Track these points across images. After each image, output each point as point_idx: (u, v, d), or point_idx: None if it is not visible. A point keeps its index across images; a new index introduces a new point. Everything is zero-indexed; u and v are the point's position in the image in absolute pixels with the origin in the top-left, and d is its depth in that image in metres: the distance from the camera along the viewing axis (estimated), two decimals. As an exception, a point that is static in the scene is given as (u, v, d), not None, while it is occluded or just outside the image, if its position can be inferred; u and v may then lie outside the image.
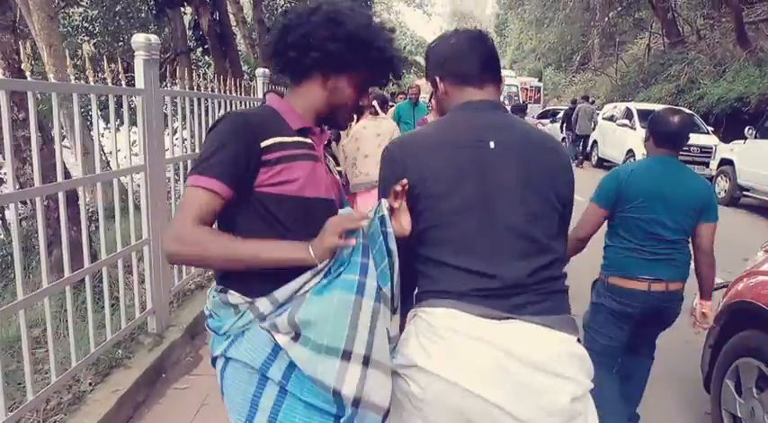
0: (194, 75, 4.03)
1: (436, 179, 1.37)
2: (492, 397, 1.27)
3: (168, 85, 3.62)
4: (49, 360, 2.51)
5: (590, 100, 18.07)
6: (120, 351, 3.12)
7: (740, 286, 2.83)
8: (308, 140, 1.42)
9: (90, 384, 2.86)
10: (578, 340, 1.41)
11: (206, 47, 11.42)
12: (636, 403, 2.86)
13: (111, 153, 3.23)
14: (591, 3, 24.78)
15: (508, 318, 1.32)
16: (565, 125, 16.99)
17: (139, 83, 3.17)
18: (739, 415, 2.64)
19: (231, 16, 13.65)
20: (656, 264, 2.51)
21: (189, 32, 12.28)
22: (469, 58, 1.47)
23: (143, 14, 13.04)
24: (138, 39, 3.13)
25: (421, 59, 54.52)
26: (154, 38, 3.20)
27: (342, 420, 1.29)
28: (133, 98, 3.29)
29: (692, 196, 2.49)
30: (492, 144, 1.38)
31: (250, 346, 1.32)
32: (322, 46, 1.35)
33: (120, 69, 2.99)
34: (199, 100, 3.97)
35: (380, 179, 1.46)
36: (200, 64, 14.67)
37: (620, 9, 24.79)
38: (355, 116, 6.65)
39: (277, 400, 1.31)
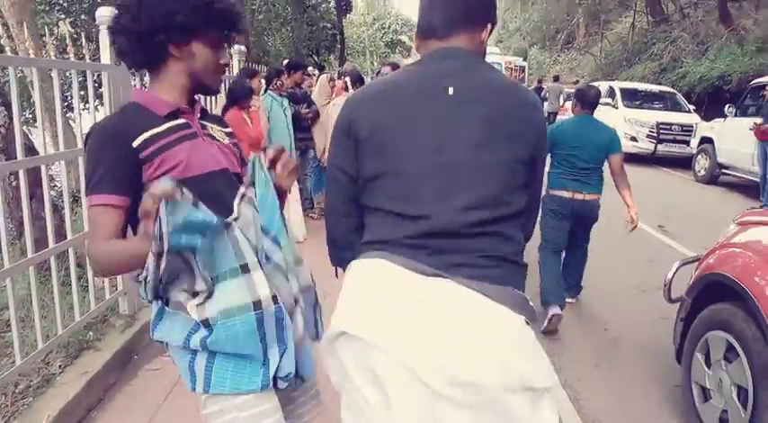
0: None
1: (386, 127, 1.30)
2: (414, 364, 1.17)
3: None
4: (14, 343, 2.47)
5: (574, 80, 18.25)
6: (90, 333, 3.08)
7: (711, 259, 2.85)
8: (181, 121, 1.46)
9: (60, 367, 2.82)
10: (527, 323, 1.27)
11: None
12: (579, 274, 4.33)
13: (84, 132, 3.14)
14: (576, -19, 24.72)
15: (437, 275, 1.22)
16: None
17: (105, 58, 3.08)
18: (708, 386, 2.67)
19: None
20: (576, 182, 3.90)
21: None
22: (434, 9, 1.38)
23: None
24: (103, 12, 3.03)
25: (406, 38, 53.99)
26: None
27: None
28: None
29: (601, 138, 3.88)
30: (451, 90, 1.28)
31: (170, 326, 1.41)
32: (161, 18, 1.36)
33: (83, 46, 2.91)
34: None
35: (334, 126, 1.43)
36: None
37: (604, -13, 24.75)
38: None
39: (207, 365, 1.40)
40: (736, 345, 2.49)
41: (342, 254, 1.45)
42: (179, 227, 1.20)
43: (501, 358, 1.18)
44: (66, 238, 2.91)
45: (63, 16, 12.80)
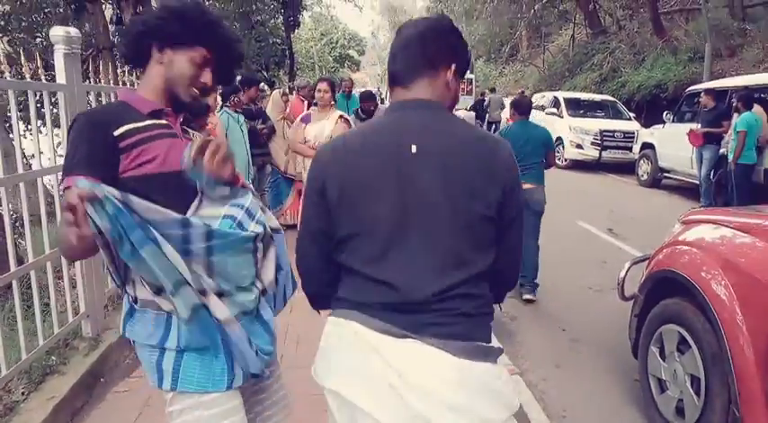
0: (118, 71, 3.86)
1: (356, 186, 1.32)
2: (384, 421, 1.26)
3: (91, 80, 3.48)
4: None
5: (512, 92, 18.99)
6: (53, 358, 3.00)
7: (661, 257, 3.02)
8: (163, 121, 1.52)
9: (23, 394, 2.74)
10: (500, 368, 1.33)
11: (130, 43, 11.05)
12: (533, 268, 4.61)
13: (34, 155, 3.06)
14: (518, -5, 25.51)
15: (406, 336, 1.28)
16: (475, 114, 17.80)
17: (60, 78, 3.04)
18: (664, 378, 2.82)
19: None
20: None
21: (112, 28, 11.83)
22: (397, 56, 1.40)
23: (61, 9, 12.44)
24: (57, 32, 3.00)
25: (354, 53, 54.03)
26: (74, 31, 3.07)
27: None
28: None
29: (540, 138, 4.68)
30: (414, 148, 1.30)
31: (140, 324, 1.48)
32: (152, 22, 1.50)
33: (38, 65, 2.86)
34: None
35: (306, 179, 1.48)
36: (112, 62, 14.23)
37: (545, 1, 25.59)
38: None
39: (175, 362, 1.46)
40: (688, 336, 2.66)
41: (320, 301, 1.50)
42: (109, 223, 1.23)
43: (466, 414, 1.26)
44: (24, 262, 2.84)
45: (0, 35, 12.41)
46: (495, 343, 1.38)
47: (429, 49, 1.38)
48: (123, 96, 1.57)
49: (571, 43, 24.28)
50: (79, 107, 3.13)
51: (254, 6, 17.74)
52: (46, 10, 12.87)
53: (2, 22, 12.68)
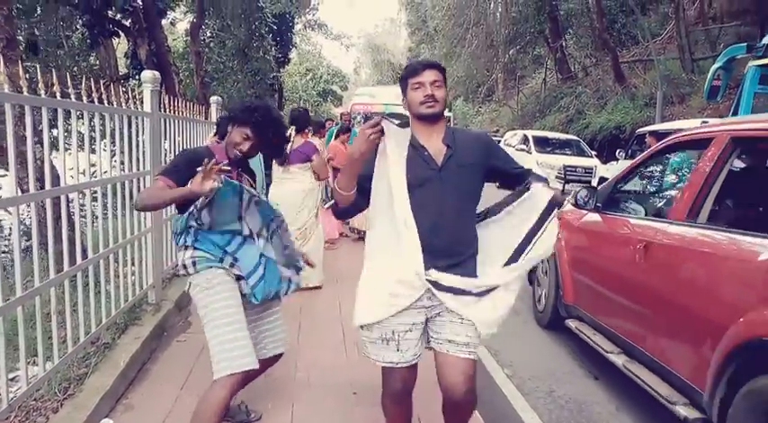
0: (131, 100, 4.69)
1: None
2: None
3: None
4: (79, 323, 3.41)
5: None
6: (131, 314, 4.02)
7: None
8: (228, 168, 2.40)
9: (112, 338, 3.73)
10: None
11: (142, 75, 12.22)
12: None
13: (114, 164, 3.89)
14: (494, 40, 27.33)
15: None
16: None
17: (147, 108, 4.14)
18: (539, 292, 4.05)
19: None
20: None
21: (126, 61, 12.96)
22: None
23: (77, 43, 13.54)
24: (147, 75, 4.13)
25: (336, 88, 55.01)
26: (157, 74, 4.20)
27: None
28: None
29: None
30: None
31: None
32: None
33: (130, 96, 3.94)
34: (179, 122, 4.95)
35: None
36: (132, 91, 15.36)
37: (519, 47, 27.46)
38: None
39: None
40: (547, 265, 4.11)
41: None
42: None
43: None
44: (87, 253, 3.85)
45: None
46: None
47: None
48: (211, 147, 2.67)
49: (543, 86, 26.06)
50: (157, 129, 4.23)
51: (253, 44, 19.14)
52: (58, 44, 13.95)
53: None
